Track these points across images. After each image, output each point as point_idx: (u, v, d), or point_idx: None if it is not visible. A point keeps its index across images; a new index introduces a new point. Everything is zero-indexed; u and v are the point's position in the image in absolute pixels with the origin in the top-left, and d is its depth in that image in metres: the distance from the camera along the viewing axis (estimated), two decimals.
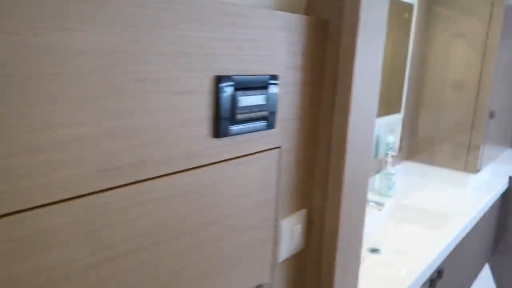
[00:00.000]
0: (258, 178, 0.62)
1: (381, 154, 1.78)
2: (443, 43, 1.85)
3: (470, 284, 2.03)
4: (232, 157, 0.58)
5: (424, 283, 1.28)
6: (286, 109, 0.64)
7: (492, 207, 1.98)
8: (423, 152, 1.98)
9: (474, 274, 2.05)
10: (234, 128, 0.56)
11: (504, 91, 2.02)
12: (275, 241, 0.69)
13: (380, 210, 1.42)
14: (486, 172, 2.13)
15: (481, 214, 1.76)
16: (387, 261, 1.38)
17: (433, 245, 1.36)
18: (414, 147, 2.00)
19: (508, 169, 2.12)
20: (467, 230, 1.60)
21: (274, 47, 0.60)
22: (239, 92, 0.56)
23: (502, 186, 2.06)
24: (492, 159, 2.09)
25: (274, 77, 0.61)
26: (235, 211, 0.60)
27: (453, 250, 1.50)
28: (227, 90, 0.55)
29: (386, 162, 1.74)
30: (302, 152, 0.69)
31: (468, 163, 1.85)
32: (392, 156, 1.74)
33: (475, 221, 1.68)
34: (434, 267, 1.32)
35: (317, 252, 0.74)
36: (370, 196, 1.72)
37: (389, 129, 1.86)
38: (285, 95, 0.63)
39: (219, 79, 0.54)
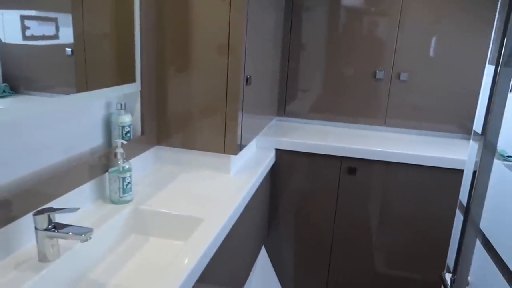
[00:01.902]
0: None
1: (118, 142, 1.23)
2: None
3: (249, 273, 1.77)
4: None
5: None
6: None
7: (261, 186, 1.73)
8: (175, 133, 1.54)
9: (250, 263, 1.79)
10: None
11: (261, 53, 1.75)
12: None
13: (86, 240, 0.89)
14: (251, 148, 1.86)
15: (246, 201, 1.45)
16: None
17: (184, 264, 0.92)
18: (163, 128, 1.54)
19: (275, 141, 1.91)
20: (230, 227, 1.25)
21: None
22: None
23: (269, 161, 1.83)
24: (257, 132, 1.83)
25: None
26: None
27: (215, 256, 1.11)
28: None
29: (117, 155, 1.21)
30: None
31: (229, 140, 1.50)
32: (122, 144, 1.22)
33: (239, 212, 1.35)
34: None
35: None
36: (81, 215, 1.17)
37: (123, 105, 1.32)
38: None
39: None
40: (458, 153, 1.80)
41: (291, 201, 1.98)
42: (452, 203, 1.76)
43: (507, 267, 0.75)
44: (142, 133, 1.44)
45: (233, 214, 1.25)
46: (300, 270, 2.06)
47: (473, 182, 0.91)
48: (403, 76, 2.05)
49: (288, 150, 1.90)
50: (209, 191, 1.38)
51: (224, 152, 1.52)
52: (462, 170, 1.10)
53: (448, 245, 1.16)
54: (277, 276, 2.11)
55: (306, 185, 1.94)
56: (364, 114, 2.15)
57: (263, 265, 2.04)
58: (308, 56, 2.14)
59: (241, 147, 1.56)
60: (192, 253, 0.99)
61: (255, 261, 1.90)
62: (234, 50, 1.41)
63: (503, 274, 0.76)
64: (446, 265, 1.10)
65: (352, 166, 1.85)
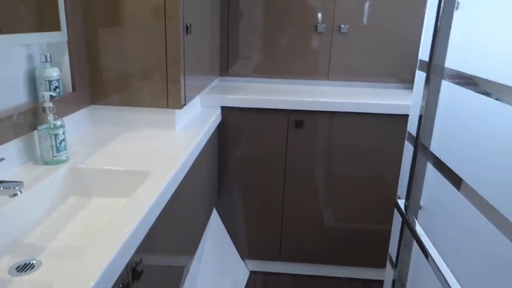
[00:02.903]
0: None
1: (45, 94, 1.10)
2: None
3: (200, 237, 1.72)
4: None
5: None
6: None
7: (208, 144, 1.66)
8: (113, 93, 1.42)
9: (202, 226, 1.74)
10: None
11: (200, 14, 1.65)
12: None
13: (15, 194, 0.78)
14: (195, 107, 1.78)
15: (194, 157, 1.38)
16: (44, 280, 0.78)
17: (128, 222, 0.84)
18: (98, 86, 1.41)
19: (220, 98, 1.85)
20: (177, 183, 1.18)
21: None
22: None
23: (215, 117, 1.76)
24: (200, 90, 1.75)
25: None
26: None
27: (162, 215, 1.05)
28: None
29: (45, 109, 1.08)
30: None
31: (171, 96, 1.41)
32: (52, 99, 1.09)
33: (187, 167, 1.28)
34: (126, 260, 0.81)
35: None
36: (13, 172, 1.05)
37: (48, 57, 1.18)
38: None
39: None
40: (399, 100, 1.85)
41: (241, 160, 1.94)
42: (398, 145, 1.82)
43: (461, 179, 0.77)
44: (74, 89, 1.31)
45: (180, 168, 1.18)
46: (253, 230, 2.05)
47: (422, 109, 0.92)
48: (344, 29, 2.06)
49: (235, 107, 1.85)
50: (154, 148, 1.29)
51: (168, 107, 1.43)
52: (406, 115, 1.12)
53: (397, 185, 1.19)
54: (231, 237, 2.09)
55: (254, 142, 1.91)
56: (307, 70, 2.14)
57: (215, 228, 2.00)
58: (248, 18, 2.07)
59: (183, 105, 1.48)
60: (135, 211, 0.90)
61: (206, 224, 1.85)
62: (171, 11, 1.31)
63: (457, 187, 0.78)
64: (397, 195, 1.13)
65: (299, 119, 1.84)
